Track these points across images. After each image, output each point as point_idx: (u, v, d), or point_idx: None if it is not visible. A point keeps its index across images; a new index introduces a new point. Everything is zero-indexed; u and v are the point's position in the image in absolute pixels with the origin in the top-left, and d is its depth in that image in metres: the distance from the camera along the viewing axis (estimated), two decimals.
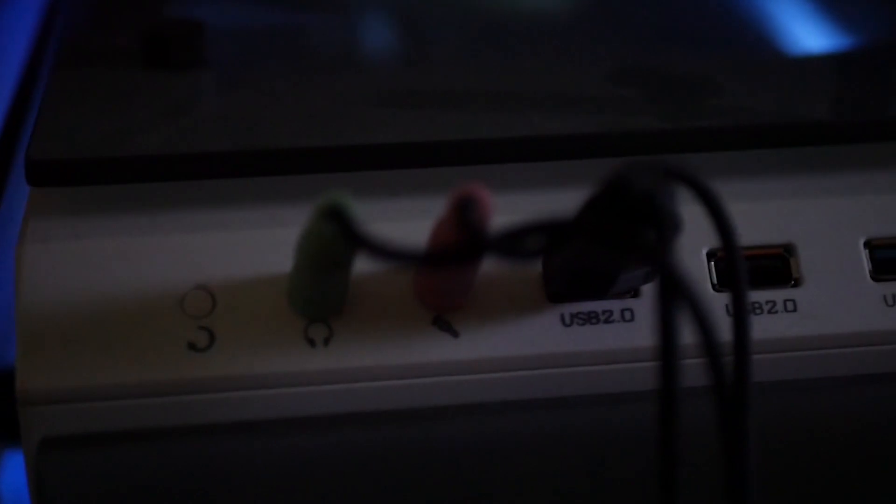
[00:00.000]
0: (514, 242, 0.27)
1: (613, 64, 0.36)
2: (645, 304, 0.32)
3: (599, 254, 0.29)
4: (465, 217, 0.27)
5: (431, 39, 0.38)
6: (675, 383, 0.26)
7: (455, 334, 0.32)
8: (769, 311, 0.33)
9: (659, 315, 0.26)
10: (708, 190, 0.28)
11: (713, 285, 0.33)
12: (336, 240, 0.27)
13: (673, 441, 0.27)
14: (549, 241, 0.27)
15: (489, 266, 0.32)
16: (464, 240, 0.27)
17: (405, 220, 0.32)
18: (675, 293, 0.26)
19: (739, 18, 0.37)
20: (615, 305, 0.32)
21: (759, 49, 0.37)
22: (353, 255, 0.28)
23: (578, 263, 0.30)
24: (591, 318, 0.32)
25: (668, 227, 0.27)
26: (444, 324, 0.32)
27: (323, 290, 0.31)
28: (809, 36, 0.37)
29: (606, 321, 0.32)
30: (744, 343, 0.28)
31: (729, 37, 0.37)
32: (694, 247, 0.33)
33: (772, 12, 0.37)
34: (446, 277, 0.31)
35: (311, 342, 0.32)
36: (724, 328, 0.31)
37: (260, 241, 0.32)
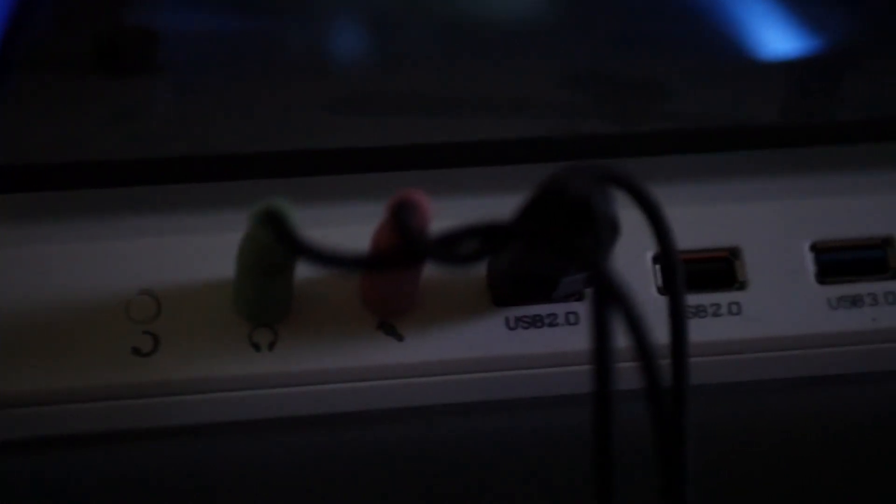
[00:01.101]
0: (450, 247, 0.27)
1: (566, 68, 0.36)
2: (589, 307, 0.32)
3: (538, 258, 0.29)
4: (401, 222, 0.27)
5: (384, 45, 0.38)
6: (608, 387, 0.26)
7: (400, 338, 0.32)
8: (714, 314, 0.33)
9: (593, 319, 0.26)
10: (645, 194, 0.28)
11: (658, 289, 0.33)
12: (273, 245, 0.27)
13: (608, 444, 0.27)
14: (485, 246, 0.27)
15: (434, 270, 0.32)
16: (400, 245, 0.27)
17: (352, 225, 0.32)
18: (609, 297, 0.26)
19: (693, 22, 0.37)
20: (560, 309, 0.32)
21: (710, 53, 0.37)
22: (291, 260, 0.28)
23: (520, 267, 0.30)
24: (535, 322, 0.32)
25: (603, 231, 0.27)
26: (389, 328, 0.32)
27: (265, 295, 0.31)
28: (760, 40, 0.38)
29: (551, 324, 0.32)
30: (681, 346, 0.28)
31: (682, 41, 0.38)
32: (639, 251, 0.33)
33: (725, 16, 0.37)
34: (389, 282, 0.31)
35: (256, 346, 0.32)
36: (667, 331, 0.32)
37: (205, 247, 0.32)
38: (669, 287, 0.28)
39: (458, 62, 0.37)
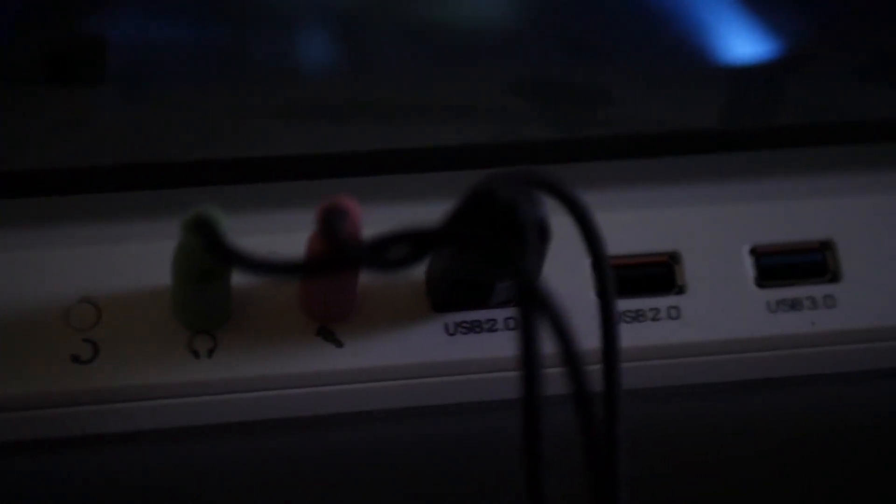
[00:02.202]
0: (379, 252, 0.27)
1: (507, 75, 0.37)
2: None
3: (470, 263, 0.29)
4: (329, 228, 0.27)
5: (326, 53, 0.38)
6: (536, 391, 0.27)
7: (339, 344, 0.32)
8: (653, 319, 0.33)
9: (519, 324, 0.26)
10: (574, 199, 0.28)
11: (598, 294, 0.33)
12: (203, 253, 0.27)
13: (537, 451, 0.27)
14: (414, 251, 0.27)
15: (373, 277, 0.32)
16: (329, 251, 0.27)
17: (293, 232, 0.32)
18: (534, 302, 0.26)
19: (633, 28, 0.37)
20: (499, 314, 0.33)
21: (650, 59, 0.37)
22: (224, 267, 0.29)
23: (454, 273, 0.30)
24: (474, 327, 0.33)
25: (530, 236, 0.27)
26: (328, 334, 0.32)
27: (202, 302, 0.31)
28: (700, 46, 0.38)
29: (490, 330, 0.33)
30: (612, 351, 0.28)
31: (622, 47, 0.38)
32: (578, 255, 0.33)
33: (666, 22, 0.38)
34: (325, 288, 0.31)
35: (195, 353, 0.32)
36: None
37: (145, 254, 0.32)
38: (600, 292, 0.28)
39: (399, 69, 0.38)
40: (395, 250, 0.27)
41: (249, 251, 0.27)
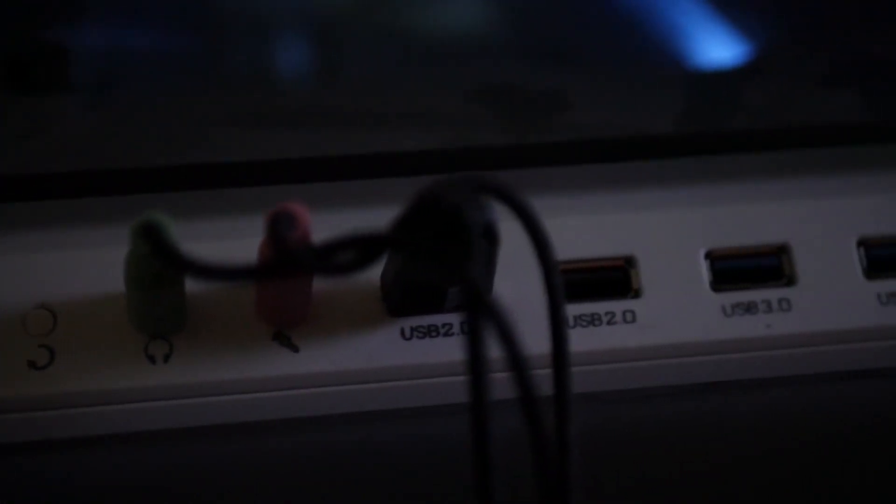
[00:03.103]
0: (327, 257, 0.27)
1: (463, 80, 0.37)
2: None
3: (418, 269, 0.29)
4: (277, 233, 0.27)
5: (283, 59, 0.38)
6: (483, 397, 0.27)
7: (295, 349, 0.32)
8: (608, 322, 0.33)
9: (466, 329, 0.26)
10: (521, 204, 0.28)
11: None
12: (150, 258, 0.28)
13: (486, 455, 0.27)
14: (362, 256, 0.27)
15: (331, 281, 0.32)
16: (276, 256, 0.27)
17: (246, 238, 0.32)
18: (479, 308, 0.26)
19: (590, 34, 0.38)
20: (455, 318, 0.33)
21: (606, 64, 0.37)
22: (172, 273, 0.29)
23: (406, 278, 0.31)
24: (430, 332, 0.33)
25: (475, 241, 0.27)
26: (284, 339, 0.32)
27: (156, 307, 0.31)
28: (657, 51, 0.38)
29: (446, 334, 0.33)
30: (562, 355, 0.28)
31: (578, 52, 0.38)
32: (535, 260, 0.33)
33: (622, 27, 0.38)
34: (279, 293, 0.31)
35: (152, 359, 0.32)
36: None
37: (102, 260, 0.32)
38: (549, 296, 0.28)
39: (355, 76, 0.38)
40: (342, 255, 0.28)
41: (196, 256, 0.27)
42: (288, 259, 0.27)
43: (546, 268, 0.28)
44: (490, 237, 0.28)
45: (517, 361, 0.26)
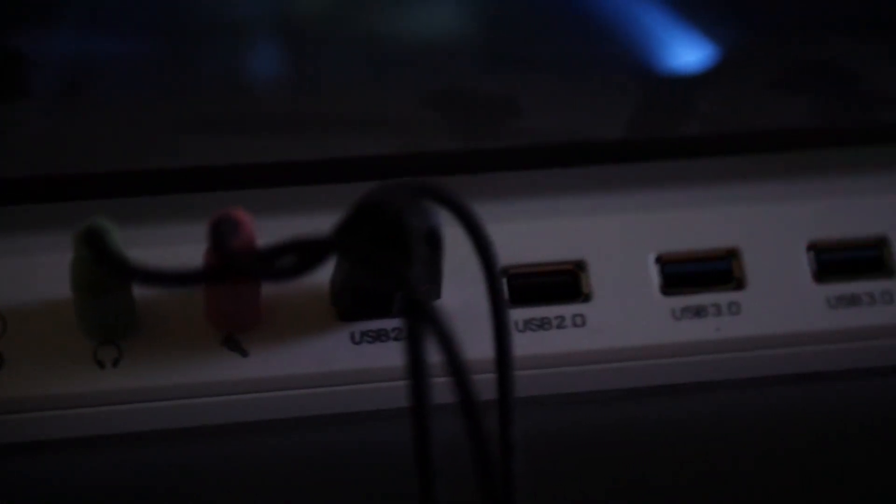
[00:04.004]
0: (267, 263, 0.27)
1: (419, 86, 0.37)
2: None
3: (362, 274, 0.29)
4: (218, 239, 0.27)
5: (236, 64, 0.38)
6: (424, 402, 0.27)
7: (244, 353, 0.32)
8: (558, 326, 0.33)
9: (405, 335, 0.27)
10: (463, 209, 0.28)
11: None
12: (93, 264, 0.28)
13: (428, 461, 0.27)
14: (303, 261, 0.27)
15: (282, 286, 0.32)
16: (218, 262, 0.27)
17: (195, 243, 0.32)
18: (418, 313, 0.26)
19: (544, 39, 0.38)
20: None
21: (559, 69, 0.37)
22: (115, 278, 0.29)
23: (352, 283, 0.31)
24: (380, 336, 0.33)
25: (416, 246, 0.27)
26: (234, 343, 0.32)
27: (104, 313, 0.31)
28: (610, 56, 0.38)
29: (396, 339, 0.33)
30: (505, 359, 0.29)
31: (532, 57, 0.38)
32: None
33: (576, 33, 0.38)
34: (227, 298, 0.31)
35: (101, 364, 0.32)
36: (514, 343, 0.32)
37: (50, 266, 0.32)
38: (491, 299, 0.28)
39: (306, 81, 0.38)
40: (285, 260, 0.28)
41: (139, 262, 0.28)
42: (229, 264, 0.27)
43: (488, 271, 0.28)
44: (433, 242, 0.29)
45: (456, 366, 0.27)
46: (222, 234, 0.27)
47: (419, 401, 0.27)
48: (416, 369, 0.27)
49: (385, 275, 0.27)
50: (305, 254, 0.27)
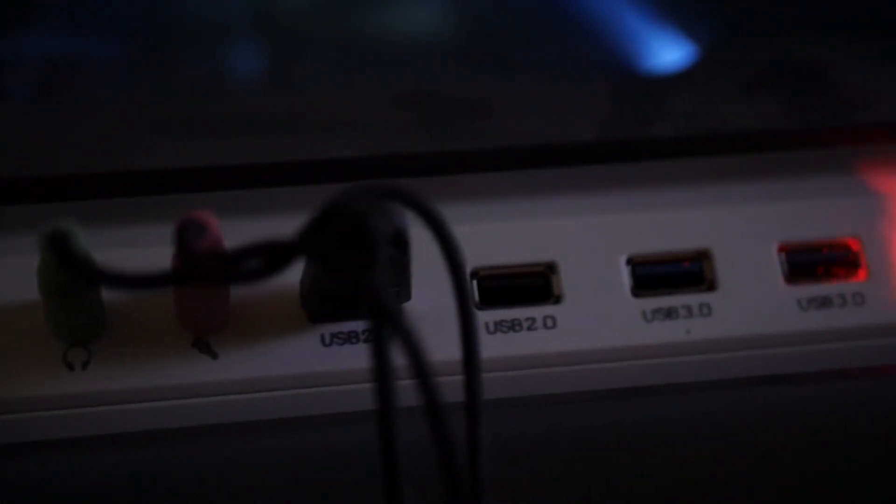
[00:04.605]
0: (232, 265, 0.27)
1: (391, 88, 0.37)
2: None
3: (328, 276, 0.29)
4: (182, 242, 0.27)
5: (202, 65, 0.38)
6: (390, 404, 0.27)
7: (214, 356, 0.32)
8: (529, 328, 0.33)
9: (371, 337, 0.26)
10: (430, 211, 0.28)
11: (475, 304, 0.33)
12: (59, 267, 0.28)
13: (394, 463, 0.27)
14: (269, 263, 0.27)
15: (252, 288, 0.32)
16: (182, 264, 0.27)
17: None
18: (381, 316, 0.26)
19: (514, 40, 0.38)
20: None
21: (530, 71, 0.37)
22: (80, 281, 0.29)
23: (319, 285, 0.31)
24: (350, 338, 0.33)
25: (380, 249, 0.27)
26: (203, 346, 0.32)
27: (73, 315, 0.31)
28: (585, 58, 0.38)
29: (366, 341, 0.33)
30: (473, 361, 0.29)
31: (509, 59, 0.38)
32: None
33: (546, 34, 0.38)
34: (197, 300, 0.31)
35: (70, 366, 0.32)
36: (484, 346, 0.32)
37: (19, 268, 0.32)
38: (458, 301, 0.28)
39: (279, 83, 0.38)
40: (250, 263, 0.28)
41: (103, 264, 0.27)
42: (194, 267, 0.27)
43: (455, 273, 0.28)
44: (399, 244, 0.29)
45: (420, 368, 0.27)
46: (187, 237, 0.27)
47: (384, 403, 0.27)
48: (381, 371, 0.27)
49: (349, 277, 0.26)
50: (271, 256, 0.27)
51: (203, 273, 0.27)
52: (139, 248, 0.32)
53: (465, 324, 0.29)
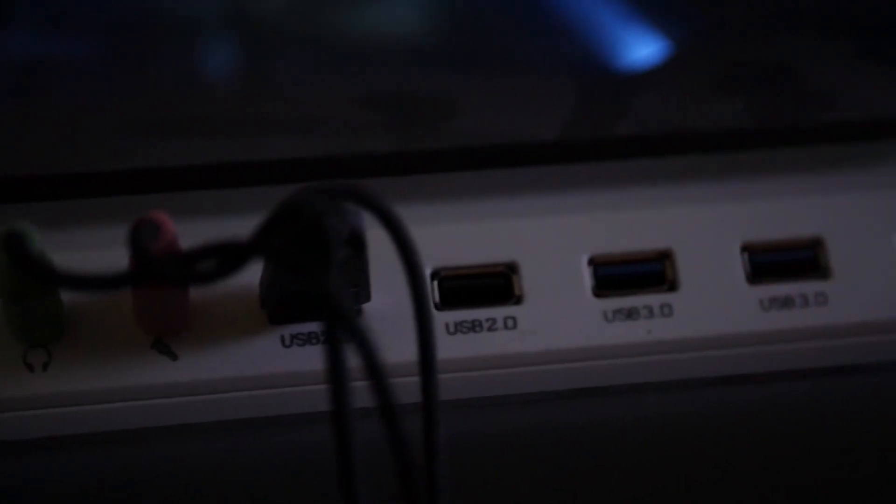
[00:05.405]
0: (186, 266, 0.27)
1: (355, 87, 0.37)
2: (368, 323, 0.33)
3: (284, 277, 0.29)
4: (135, 242, 0.27)
5: (175, 66, 0.38)
6: (344, 405, 0.27)
7: (174, 357, 0.32)
8: (489, 329, 0.33)
9: (324, 339, 0.26)
10: (387, 212, 0.28)
11: (436, 305, 0.33)
12: (13, 269, 0.28)
13: (349, 464, 0.27)
14: (223, 264, 0.27)
15: (212, 289, 0.32)
16: (135, 265, 0.27)
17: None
18: (334, 316, 0.26)
19: (481, 40, 0.38)
20: None
21: (496, 70, 0.37)
22: (37, 283, 0.29)
23: (277, 286, 0.31)
24: (310, 339, 0.33)
25: (335, 249, 0.27)
26: (163, 347, 0.32)
27: (32, 316, 0.31)
28: (551, 57, 0.38)
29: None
30: (429, 362, 0.29)
31: (474, 59, 0.38)
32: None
33: (520, 35, 0.38)
34: (154, 302, 0.31)
35: (30, 367, 0.32)
36: (444, 346, 0.32)
37: None
38: (414, 303, 0.28)
39: (244, 82, 0.38)
40: (205, 264, 0.28)
41: (59, 266, 0.27)
42: (148, 268, 0.27)
43: (411, 273, 0.28)
44: (356, 244, 0.28)
45: (374, 369, 0.27)
46: (141, 238, 0.27)
47: (339, 404, 0.27)
48: (335, 372, 0.27)
49: (303, 277, 0.26)
50: (226, 257, 0.27)
51: (158, 274, 0.27)
52: (98, 249, 0.32)
53: (422, 324, 0.29)
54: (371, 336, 0.26)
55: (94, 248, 0.32)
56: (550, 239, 0.34)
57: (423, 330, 0.28)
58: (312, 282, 0.26)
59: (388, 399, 0.27)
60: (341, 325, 0.26)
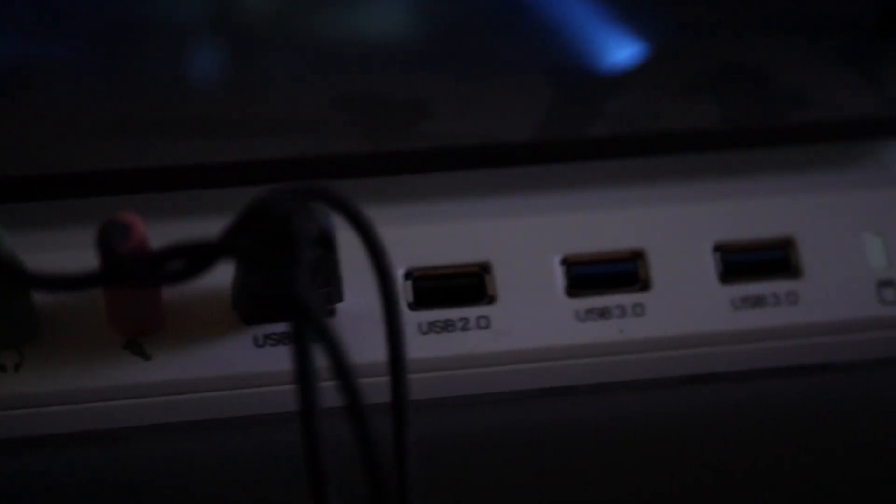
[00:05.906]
0: (155, 267, 0.27)
1: (329, 89, 0.37)
2: (342, 323, 0.33)
3: (253, 278, 0.29)
4: (103, 243, 0.27)
5: (155, 66, 0.38)
6: (312, 405, 0.27)
7: (147, 357, 0.32)
8: (462, 329, 0.33)
9: (292, 339, 0.27)
10: (355, 212, 0.28)
11: (409, 305, 0.33)
12: None
13: (318, 464, 0.27)
14: (191, 264, 0.27)
15: (186, 290, 0.32)
16: (104, 266, 0.27)
17: None
18: (302, 316, 0.26)
19: (463, 42, 0.38)
20: None
21: (475, 71, 0.37)
22: (8, 283, 0.29)
23: (248, 287, 0.31)
24: (283, 339, 0.33)
25: (303, 250, 0.27)
26: (136, 347, 0.32)
27: (1, 317, 0.31)
28: (525, 58, 0.38)
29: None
30: (399, 362, 0.29)
31: (448, 60, 0.38)
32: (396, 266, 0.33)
33: (494, 36, 0.38)
34: (126, 302, 0.31)
35: (2, 368, 0.32)
36: (418, 346, 0.32)
37: None
38: (384, 303, 0.28)
39: (216, 84, 0.37)
40: (173, 264, 0.28)
41: (29, 266, 0.28)
42: (117, 268, 0.27)
43: (380, 273, 0.29)
44: (325, 245, 0.29)
45: (341, 368, 0.27)
46: (110, 239, 0.27)
47: (307, 404, 0.27)
48: (303, 372, 0.27)
49: (271, 277, 0.27)
50: (194, 257, 0.27)
51: (127, 274, 0.27)
52: (70, 250, 0.32)
53: (391, 324, 0.29)
54: (338, 336, 0.26)
55: (65, 250, 0.32)
56: (523, 239, 0.34)
57: (393, 330, 0.29)
58: (279, 282, 0.26)
59: (357, 399, 0.27)
60: (308, 325, 0.26)
